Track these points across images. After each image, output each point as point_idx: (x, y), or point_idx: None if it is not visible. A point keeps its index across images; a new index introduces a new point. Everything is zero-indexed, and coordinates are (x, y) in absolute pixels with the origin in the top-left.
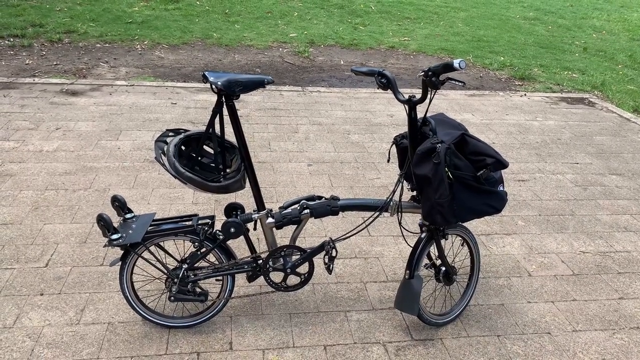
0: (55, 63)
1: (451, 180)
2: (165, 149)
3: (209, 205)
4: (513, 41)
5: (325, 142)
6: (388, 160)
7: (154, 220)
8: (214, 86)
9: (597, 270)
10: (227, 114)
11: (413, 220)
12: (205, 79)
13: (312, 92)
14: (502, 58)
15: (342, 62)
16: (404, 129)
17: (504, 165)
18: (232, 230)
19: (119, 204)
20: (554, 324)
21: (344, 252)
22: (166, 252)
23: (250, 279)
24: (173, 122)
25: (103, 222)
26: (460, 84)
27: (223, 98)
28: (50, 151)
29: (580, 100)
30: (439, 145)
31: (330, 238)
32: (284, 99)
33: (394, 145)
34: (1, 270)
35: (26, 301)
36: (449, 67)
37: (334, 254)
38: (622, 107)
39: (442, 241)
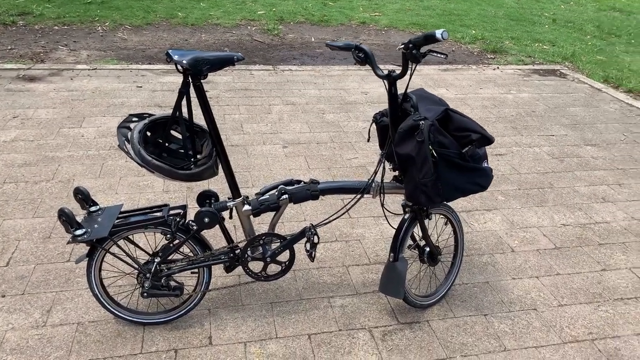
0: (9, 47)
1: (435, 158)
2: (129, 135)
3: (180, 193)
4: (483, 14)
5: (299, 122)
6: (368, 140)
7: (121, 212)
8: (179, 65)
9: (578, 242)
10: (194, 95)
11: (393, 201)
12: (169, 58)
13: (284, 70)
14: (473, 31)
15: (312, 40)
16: (380, 106)
17: (489, 140)
18: (207, 220)
19: (82, 197)
20: (540, 300)
21: (324, 235)
22: (136, 245)
23: (228, 269)
24: (139, 106)
25: (65, 217)
26: (442, 56)
27: (189, 78)
28: (7, 141)
29: (552, 71)
30: (422, 122)
31: (311, 224)
32: (254, 78)
33: (373, 124)
34: None
35: None
36: (430, 38)
37: (315, 240)
38: (592, 77)
39: (426, 221)
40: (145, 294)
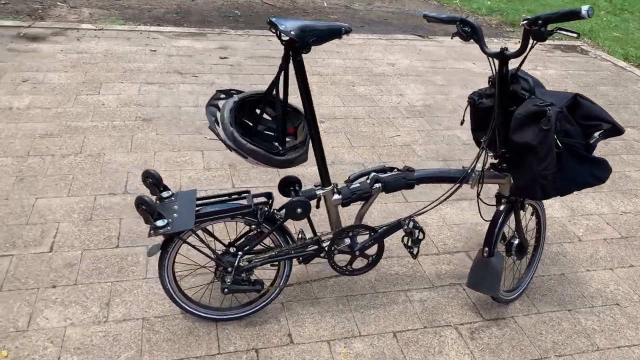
0: (4, 2)
1: (560, 149)
2: (218, 115)
3: (223, 171)
4: None
5: (331, 95)
6: (462, 123)
7: (197, 199)
8: (284, 36)
9: None
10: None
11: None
12: (273, 27)
13: None
14: (489, 2)
15: (325, 4)
16: (410, 79)
17: (620, 131)
18: (299, 210)
19: (154, 181)
20: (620, 294)
21: (385, 222)
22: (214, 237)
23: (305, 261)
24: (157, 72)
25: (145, 206)
26: (574, 34)
27: (291, 51)
28: (22, 108)
29: (573, 48)
30: (549, 108)
31: (411, 216)
32: (273, 45)
33: (469, 106)
34: None
35: (37, 296)
36: (573, 15)
37: (420, 236)
38: (613, 55)
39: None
40: (226, 289)
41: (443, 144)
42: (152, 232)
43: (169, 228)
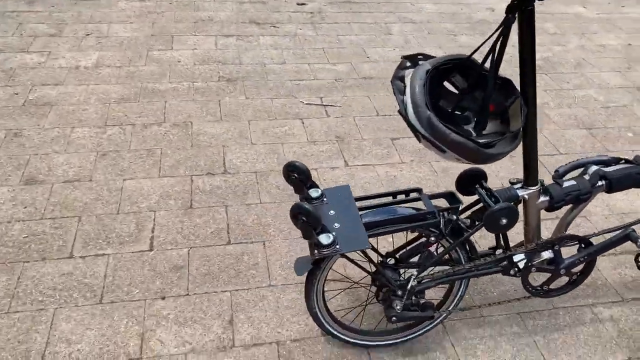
0: None
1: None
2: (407, 94)
3: (330, 144)
4: None
5: (431, 46)
6: None
7: (355, 200)
8: None
9: None
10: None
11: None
12: None
13: None
14: None
15: None
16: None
17: None
18: (504, 221)
19: (301, 176)
20: None
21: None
22: (374, 249)
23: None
24: (231, 22)
25: (306, 217)
26: None
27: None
28: (89, 67)
29: None
30: None
31: None
32: None
33: None
34: (91, 259)
35: (144, 310)
36: None
37: None
38: None
39: None
40: (394, 317)
41: (579, 107)
42: (316, 252)
43: (337, 247)
